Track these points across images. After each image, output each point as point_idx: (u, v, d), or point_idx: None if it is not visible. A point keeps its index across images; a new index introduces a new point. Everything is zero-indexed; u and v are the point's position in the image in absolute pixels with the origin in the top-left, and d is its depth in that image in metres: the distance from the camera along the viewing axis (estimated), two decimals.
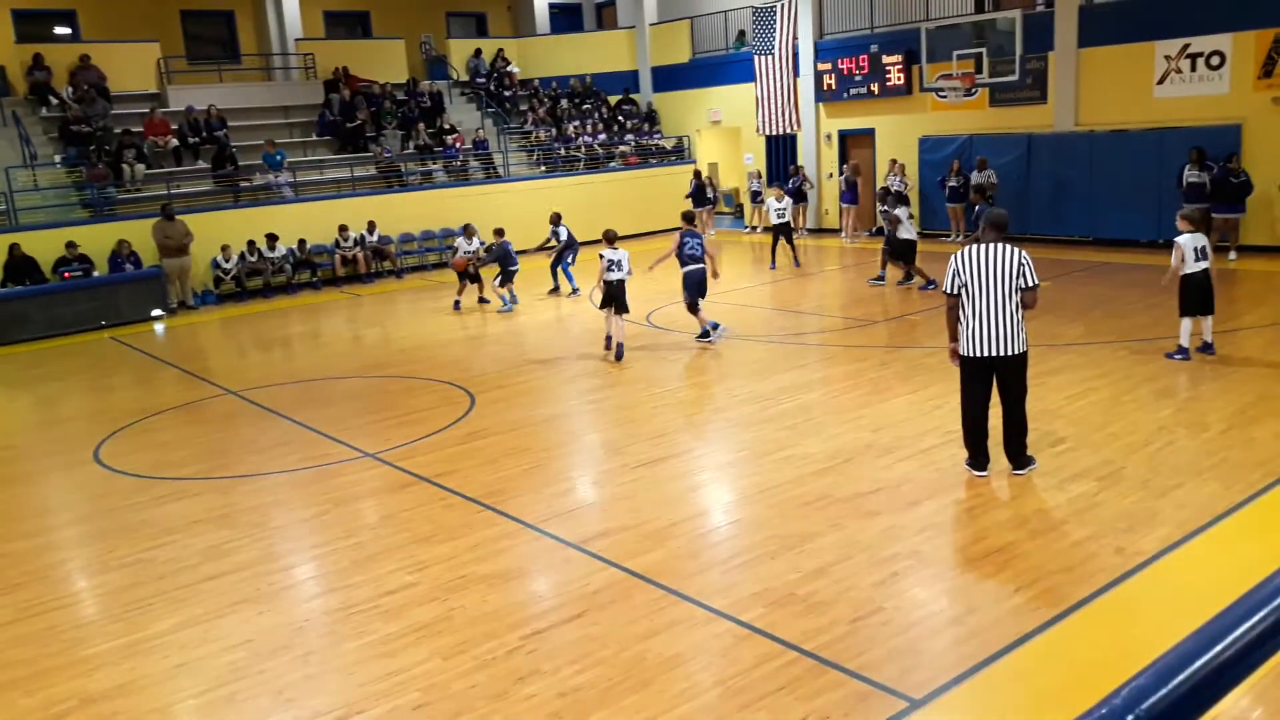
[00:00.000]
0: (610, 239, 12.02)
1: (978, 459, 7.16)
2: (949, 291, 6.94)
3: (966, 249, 6.91)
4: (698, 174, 23.55)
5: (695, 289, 12.03)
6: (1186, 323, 9.82)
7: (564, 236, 16.70)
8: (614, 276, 11.62)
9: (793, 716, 4.40)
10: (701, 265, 12.04)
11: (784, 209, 17.87)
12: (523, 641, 5.24)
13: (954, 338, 7.01)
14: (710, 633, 5.21)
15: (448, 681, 4.89)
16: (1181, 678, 1.14)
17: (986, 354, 6.80)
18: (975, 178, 18.70)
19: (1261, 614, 1.25)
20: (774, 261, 18.10)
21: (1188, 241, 9.58)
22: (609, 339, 11.77)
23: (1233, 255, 15.60)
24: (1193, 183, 15.92)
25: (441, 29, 28.05)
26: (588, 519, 6.98)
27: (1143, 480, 6.90)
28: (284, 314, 17.07)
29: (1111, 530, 6.12)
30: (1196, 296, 9.68)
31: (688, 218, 12.85)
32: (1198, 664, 1.17)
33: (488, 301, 16.21)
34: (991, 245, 6.82)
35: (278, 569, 6.51)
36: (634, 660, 4.96)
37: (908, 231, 15.08)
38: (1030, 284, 6.79)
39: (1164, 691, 1.12)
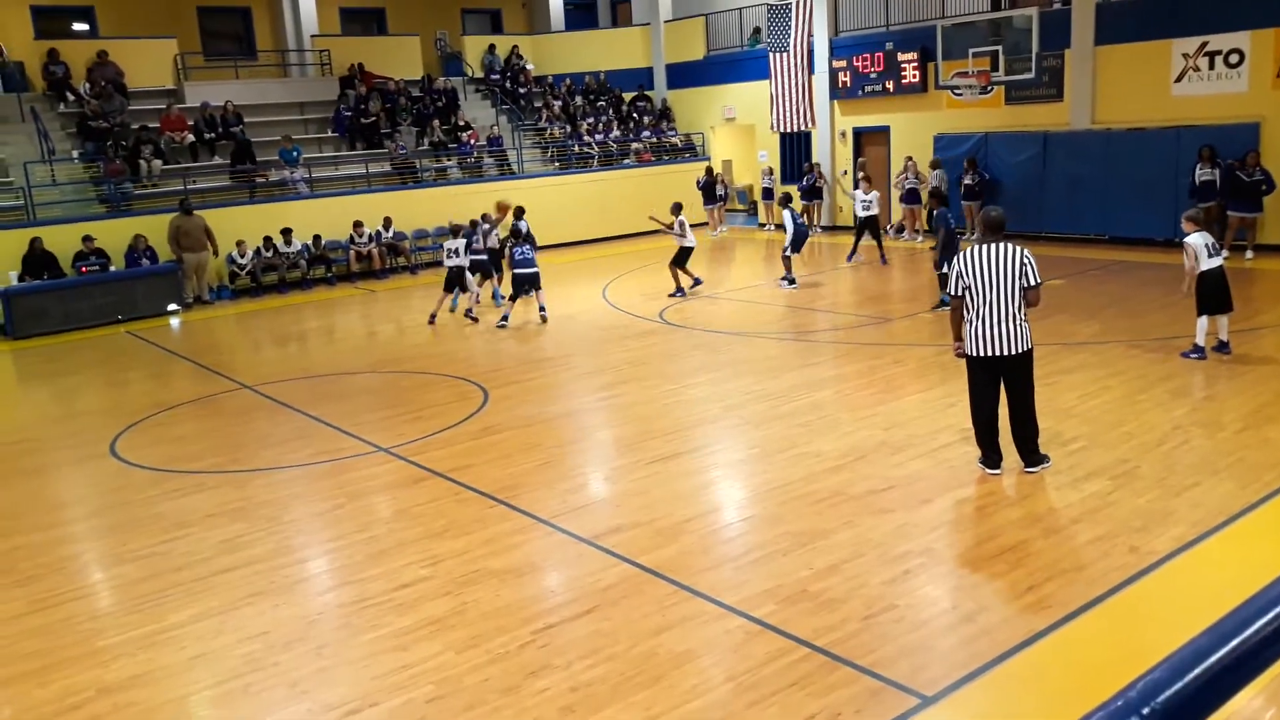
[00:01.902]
0: (454, 231, 15.09)
1: (990, 457, 7.15)
2: (954, 293, 6.97)
3: (969, 250, 6.91)
4: (709, 170, 23.53)
5: (520, 286, 14.14)
6: (1203, 321, 9.78)
7: (523, 230, 15.41)
8: (451, 263, 14.53)
9: (804, 713, 4.41)
10: (533, 269, 14.11)
11: (870, 201, 17.60)
12: (535, 636, 5.26)
13: (958, 337, 7.06)
14: (722, 629, 5.22)
15: (460, 675, 4.92)
16: (1196, 672, 1.15)
17: (992, 353, 6.83)
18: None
19: (1276, 611, 1.25)
20: (853, 254, 17.95)
21: (1198, 240, 9.59)
22: (437, 312, 14.82)
23: (1249, 255, 15.49)
24: (1205, 181, 15.83)
25: (456, 26, 28.11)
26: (600, 515, 6.99)
27: (1157, 479, 6.88)
28: (299, 309, 17.14)
29: (1125, 529, 6.10)
30: (1214, 294, 9.64)
31: (516, 233, 14.83)
32: (1212, 659, 1.17)
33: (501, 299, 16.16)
34: (994, 245, 6.83)
35: (292, 562, 6.56)
36: (645, 656, 4.98)
37: (687, 239, 15.50)
38: (1033, 283, 6.79)
39: (1178, 686, 1.13)
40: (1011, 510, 6.55)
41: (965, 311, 6.92)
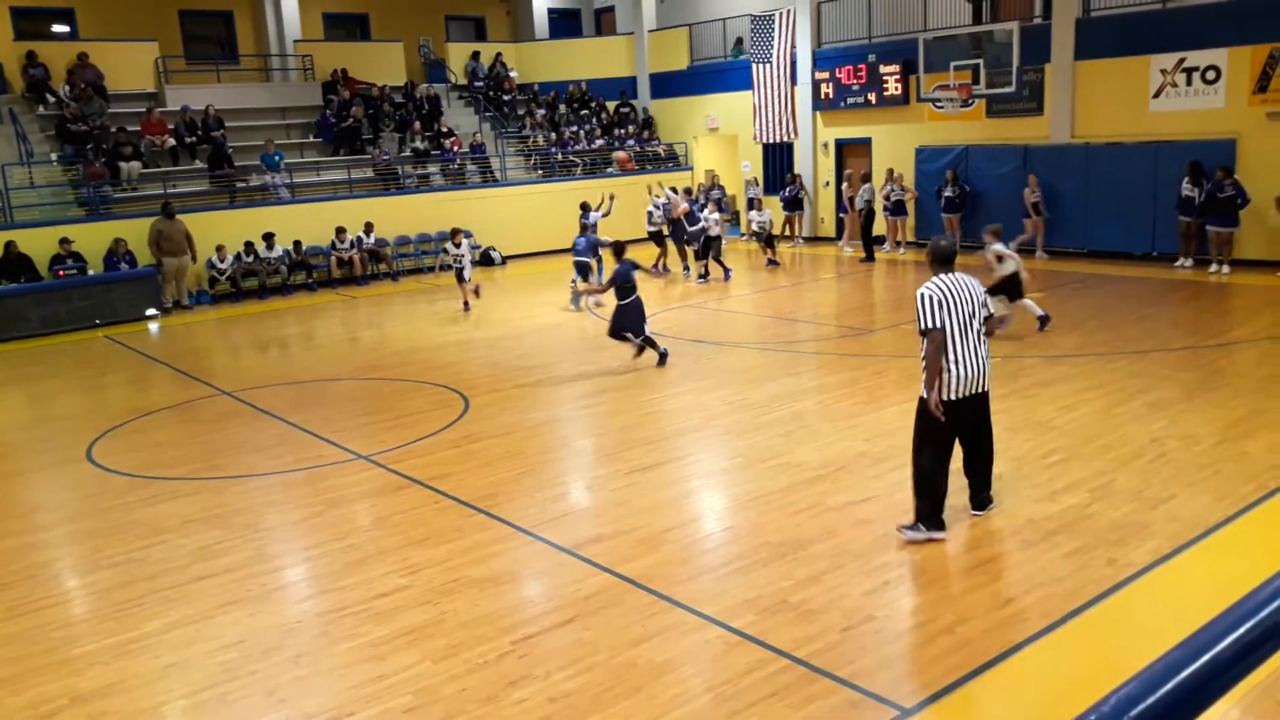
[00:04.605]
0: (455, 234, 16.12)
1: (940, 518, 6.38)
2: (935, 326, 6.05)
3: (941, 282, 6.13)
4: (713, 177, 23.63)
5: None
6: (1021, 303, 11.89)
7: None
8: (460, 264, 15.94)
9: None
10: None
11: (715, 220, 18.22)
12: (514, 646, 5.24)
13: (932, 385, 6.11)
14: (701, 639, 5.22)
15: (438, 685, 4.89)
16: (1169, 686, 1.16)
17: (974, 391, 6.21)
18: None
19: (1249, 625, 1.27)
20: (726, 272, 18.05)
21: (1001, 247, 11.67)
22: (466, 304, 16.17)
23: (1225, 270, 15.63)
24: (1186, 196, 16.02)
25: (440, 32, 28.08)
26: (580, 524, 6.98)
27: (1135, 492, 6.93)
28: (279, 315, 17.05)
29: (1103, 542, 6.14)
30: (1008, 289, 11.69)
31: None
32: (1185, 673, 1.18)
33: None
34: (954, 276, 6.23)
35: (270, 570, 6.51)
36: (625, 666, 4.97)
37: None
38: (991, 311, 6.46)
39: (1152, 700, 1.14)
40: (991, 522, 6.58)
41: (944, 351, 6.10)
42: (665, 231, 18.53)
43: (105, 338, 15.57)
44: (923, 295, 6.07)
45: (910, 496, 6.42)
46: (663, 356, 11.51)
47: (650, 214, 18.71)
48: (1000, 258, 11.77)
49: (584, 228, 16.50)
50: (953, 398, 6.12)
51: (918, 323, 6.07)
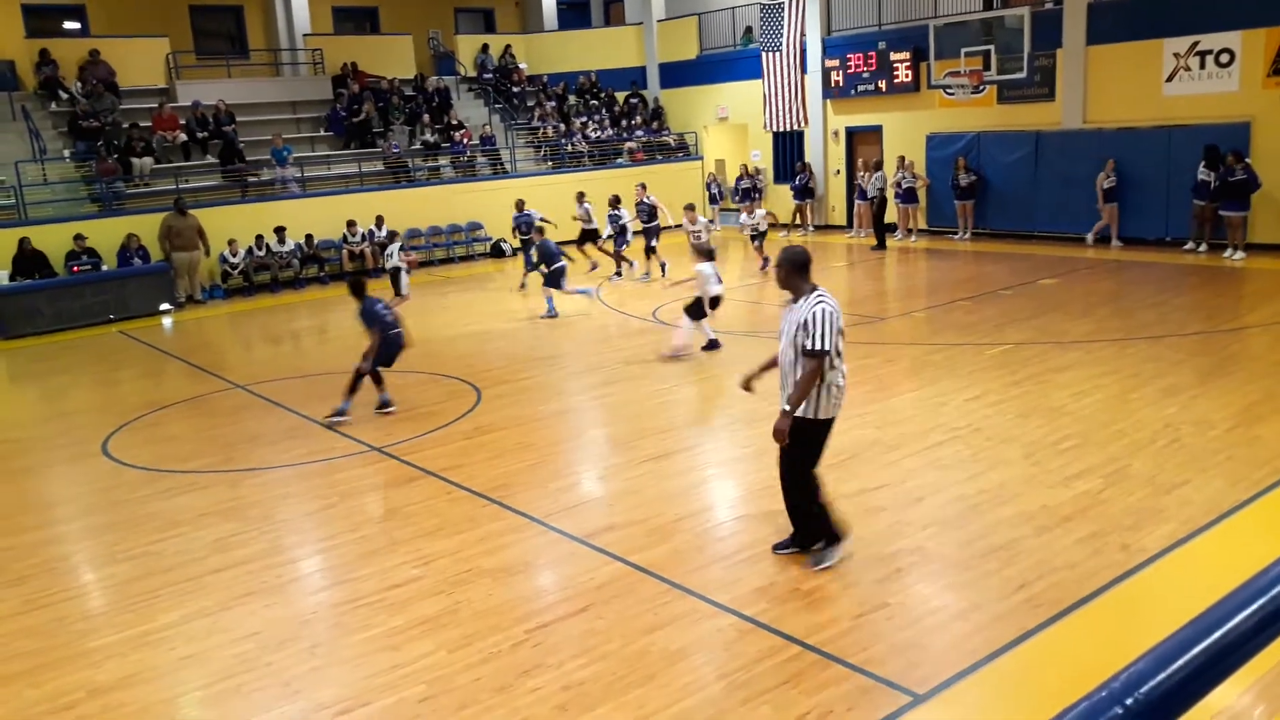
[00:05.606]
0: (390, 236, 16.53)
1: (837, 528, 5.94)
2: (827, 348, 5.44)
3: (826, 295, 5.57)
4: (744, 167, 23.55)
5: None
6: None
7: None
8: (391, 264, 16.03)
9: (796, 710, 4.42)
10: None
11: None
12: (527, 635, 5.26)
13: (798, 404, 5.53)
14: (714, 627, 5.23)
15: (453, 674, 4.92)
16: (1179, 664, 1.16)
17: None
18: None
19: (1258, 604, 1.27)
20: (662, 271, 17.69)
21: (707, 269, 11.25)
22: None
23: (1239, 254, 15.52)
24: (1201, 180, 15.93)
25: (449, 25, 28.06)
26: (593, 514, 7.00)
27: (1148, 477, 6.90)
28: (291, 309, 17.11)
29: (1117, 527, 6.12)
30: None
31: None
32: (1195, 651, 1.18)
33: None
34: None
35: (285, 562, 6.55)
36: (638, 654, 4.98)
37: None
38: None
39: (1162, 676, 1.14)
40: (1003, 509, 6.57)
41: (831, 370, 5.56)
42: (603, 233, 18.26)
43: (119, 333, 15.64)
44: (826, 313, 5.45)
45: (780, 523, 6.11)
46: (383, 405, 9.95)
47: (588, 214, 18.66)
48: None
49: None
50: (833, 416, 5.68)
51: (812, 342, 5.41)
